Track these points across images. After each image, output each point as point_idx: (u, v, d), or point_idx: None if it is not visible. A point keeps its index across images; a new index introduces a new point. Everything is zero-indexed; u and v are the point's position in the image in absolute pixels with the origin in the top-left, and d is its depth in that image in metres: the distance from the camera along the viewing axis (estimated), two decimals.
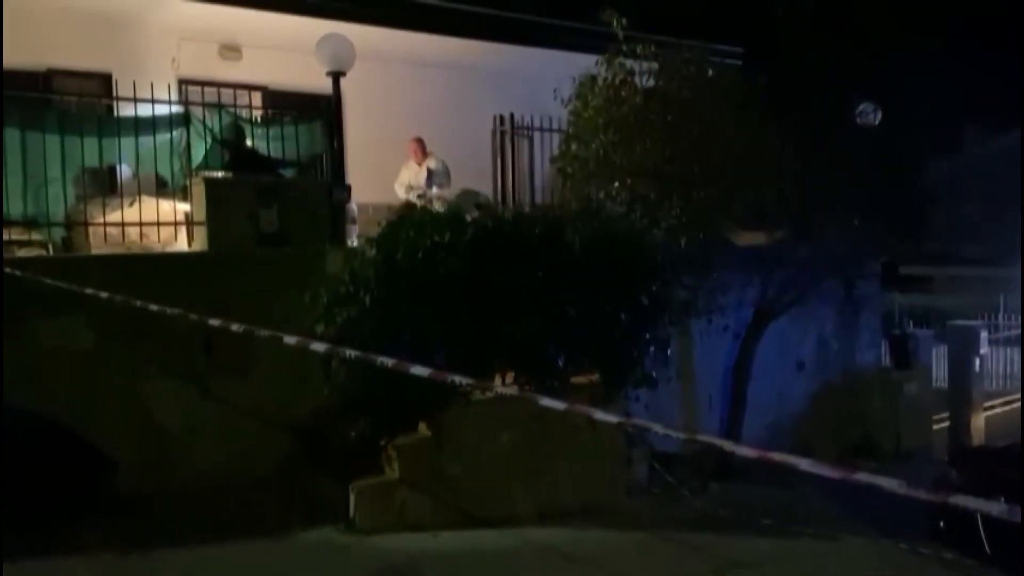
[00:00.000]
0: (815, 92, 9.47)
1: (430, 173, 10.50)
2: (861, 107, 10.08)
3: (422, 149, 10.69)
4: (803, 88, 9.43)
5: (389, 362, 3.47)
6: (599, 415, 2.63)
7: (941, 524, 7.32)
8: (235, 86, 9.99)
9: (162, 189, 8.16)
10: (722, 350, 10.16)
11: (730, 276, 9.41)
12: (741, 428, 9.84)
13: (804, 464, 2.03)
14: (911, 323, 15.43)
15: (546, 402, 2.99)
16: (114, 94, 8.08)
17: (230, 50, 11.09)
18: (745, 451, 2.22)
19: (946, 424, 12.94)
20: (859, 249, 10.64)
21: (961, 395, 12.87)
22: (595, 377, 7.17)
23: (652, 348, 7.37)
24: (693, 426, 9.66)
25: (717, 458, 8.34)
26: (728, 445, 2.31)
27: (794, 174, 9.05)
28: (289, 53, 10.58)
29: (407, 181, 10.69)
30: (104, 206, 7.68)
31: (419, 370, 3.30)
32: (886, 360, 12.86)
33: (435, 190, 10.41)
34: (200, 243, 7.61)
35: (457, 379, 3.28)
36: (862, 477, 1.94)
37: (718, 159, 8.63)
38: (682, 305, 7.92)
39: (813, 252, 9.97)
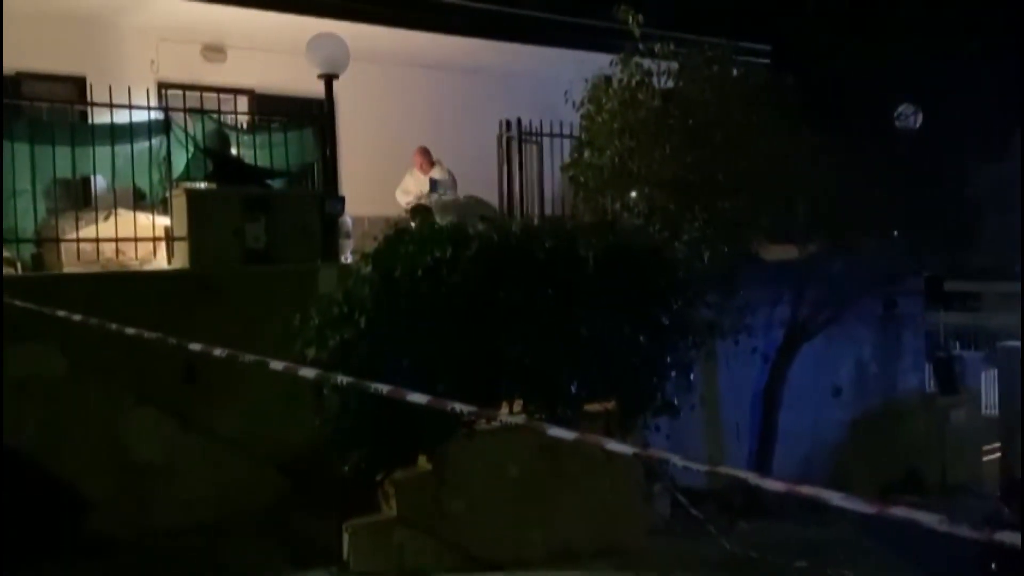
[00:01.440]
0: (850, 93, 9.51)
1: (433, 183, 10.58)
2: (900, 109, 10.11)
3: (428, 160, 10.77)
4: (837, 89, 9.47)
5: (384, 389, 3.49)
6: (612, 445, 2.64)
7: (993, 566, 7.29)
8: (219, 90, 10.04)
9: (140, 202, 8.21)
10: (750, 375, 10.16)
11: (758, 294, 9.43)
12: (771, 460, 9.81)
13: (836, 499, 2.04)
14: (958, 344, 15.39)
15: (555, 432, 2.99)
16: (88, 99, 8.15)
17: (214, 51, 11.19)
18: (771, 484, 2.23)
19: (997, 455, 12.87)
20: (900, 263, 10.64)
21: (1013, 423, 12.81)
22: (611, 405, 7.17)
23: (673, 373, 7.36)
24: (718, 458, 9.64)
25: (746, 493, 8.32)
26: (752, 477, 2.32)
27: (828, 182, 9.07)
28: (278, 54, 10.67)
29: (410, 188, 10.77)
30: (77, 220, 7.73)
31: (416, 397, 3.32)
32: (931, 385, 12.83)
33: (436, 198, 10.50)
34: (181, 260, 7.65)
35: (458, 407, 3.29)
36: (899, 512, 1.95)
37: (744, 166, 8.66)
38: (706, 326, 7.93)
39: (849, 267, 9.99)
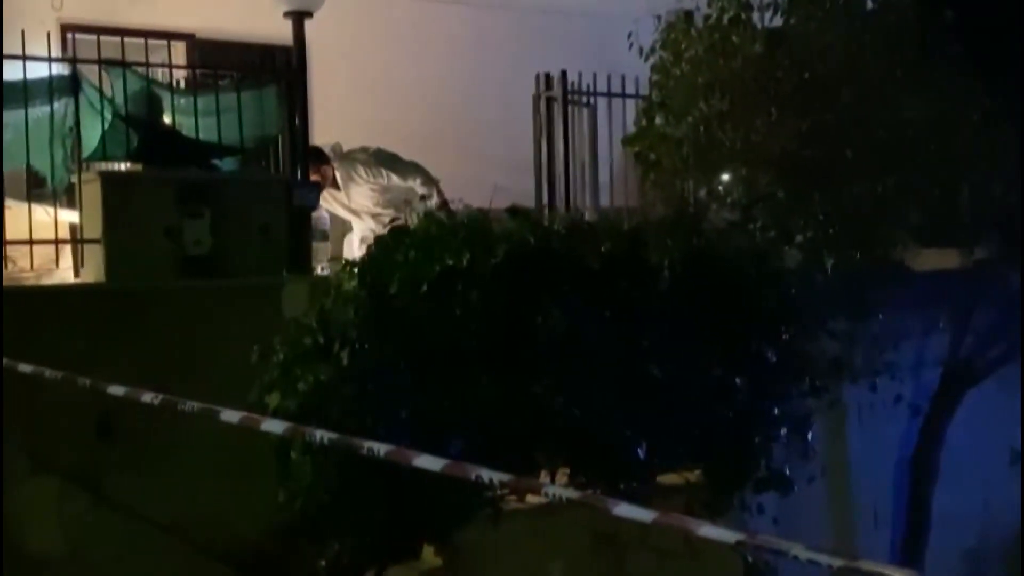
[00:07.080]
0: None
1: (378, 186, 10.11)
2: None
3: (323, 166, 10.13)
4: (1013, 30, 9.40)
5: (381, 449, 3.48)
6: (707, 530, 2.60)
7: None
8: (146, 34, 10.16)
9: (37, 190, 8.30)
10: (893, 434, 10.09)
11: (905, 319, 9.35)
12: (924, 554, 9.73)
13: None
14: None
15: (624, 510, 2.92)
16: None
17: None
18: None
19: None
20: None
21: None
22: (695, 476, 7.14)
23: (783, 430, 7.33)
24: (848, 551, 9.57)
25: None
26: None
27: (1005, 162, 9.01)
28: None
29: (363, 203, 10.33)
30: None
31: (426, 462, 3.30)
32: None
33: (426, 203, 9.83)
34: (94, 271, 7.72)
35: (486, 475, 3.26)
36: None
37: (884, 138, 8.62)
38: (830, 364, 7.88)
39: None
